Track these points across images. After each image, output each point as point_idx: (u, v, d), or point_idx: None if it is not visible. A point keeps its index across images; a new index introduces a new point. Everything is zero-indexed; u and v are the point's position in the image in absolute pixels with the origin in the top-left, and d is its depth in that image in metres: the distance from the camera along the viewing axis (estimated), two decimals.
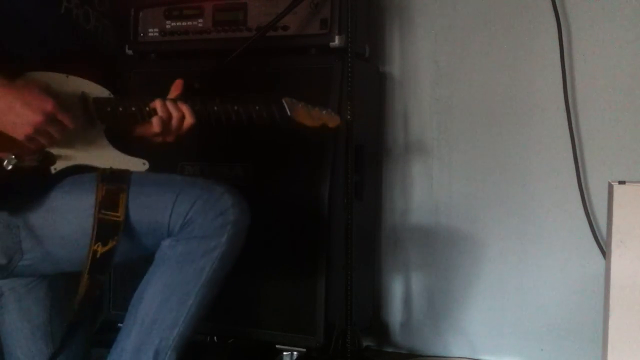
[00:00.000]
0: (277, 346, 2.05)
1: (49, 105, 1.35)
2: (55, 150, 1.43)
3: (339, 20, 2.04)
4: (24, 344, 1.65)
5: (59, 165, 1.44)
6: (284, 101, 1.62)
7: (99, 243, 1.40)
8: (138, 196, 1.44)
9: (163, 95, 1.56)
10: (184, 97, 1.57)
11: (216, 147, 2.09)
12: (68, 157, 1.45)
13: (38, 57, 1.45)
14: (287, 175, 2.03)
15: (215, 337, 2.18)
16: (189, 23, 2.21)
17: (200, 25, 2.19)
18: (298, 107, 1.64)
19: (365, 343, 2.31)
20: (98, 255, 1.40)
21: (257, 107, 1.59)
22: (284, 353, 2.05)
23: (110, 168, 1.48)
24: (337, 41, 2.04)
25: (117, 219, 1.41)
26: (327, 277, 1.99)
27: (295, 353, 2.04)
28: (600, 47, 2.16)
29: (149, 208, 1.44)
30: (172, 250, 1.44)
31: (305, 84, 2.05)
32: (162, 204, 1.44)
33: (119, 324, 1.50)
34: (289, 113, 1.62)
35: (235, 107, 1.57)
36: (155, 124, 1.52)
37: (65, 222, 1.44)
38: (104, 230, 1.40)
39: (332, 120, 1.72)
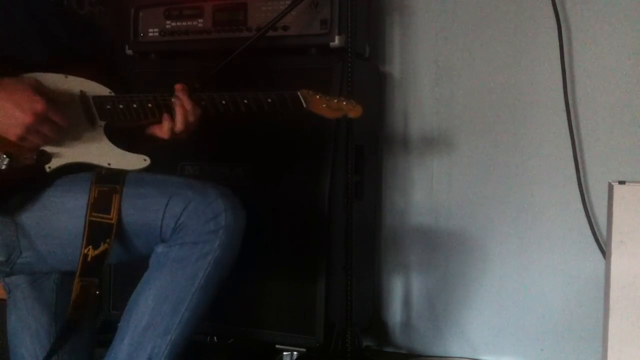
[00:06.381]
0: (277, 346, 2.05)
1: (39, 105, 1.34)
2: (51, 149, 1.42)
3: (339, 20, 2.04)
4: (28, 341, 1.65)
5: (54, 164, 1.43)
6: (299, 94, 1.61)
7: (90, 246, 1.38)
8: (131, 197, 1.42)
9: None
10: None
11: (216, 147, 2.09)
12: (64, 155, 1.44)
13: (37, 58, 1.44)
14: (287, 175, 2.03)
15: (215, 337, 2.18)
16: (189, 23, 2.21)
17: (200, 25, 2.19)
18: (315, 99, 1.62)
19: (365, 343, 2.31)
20: (89, 259, 1.38)
21: (269, 100, 1.58)
22: (284, 353, 2.05)
23: (107, 167, 1.46)
24: (337, 41, 2.04)
25: (110, 221, 1.39)
26: (327, 277, 1.98)
27: (295, 353, 2.04)
28: (600, 47, 2.16)
29: (141, 209, 1.42)
30: (165, 257, 1.42)
31: (305, 84, 2.03)
32: (154, 205, 1.42)
33: (119, 324, 1.49)
34: (304, 105, 1.61)
35: (246, 101, 1.56)
36: (165, 122, 1.51)
37: (58, 222, 1.43)
38: (96, 233, 1.39)
39: (353, 110, 1.69)
